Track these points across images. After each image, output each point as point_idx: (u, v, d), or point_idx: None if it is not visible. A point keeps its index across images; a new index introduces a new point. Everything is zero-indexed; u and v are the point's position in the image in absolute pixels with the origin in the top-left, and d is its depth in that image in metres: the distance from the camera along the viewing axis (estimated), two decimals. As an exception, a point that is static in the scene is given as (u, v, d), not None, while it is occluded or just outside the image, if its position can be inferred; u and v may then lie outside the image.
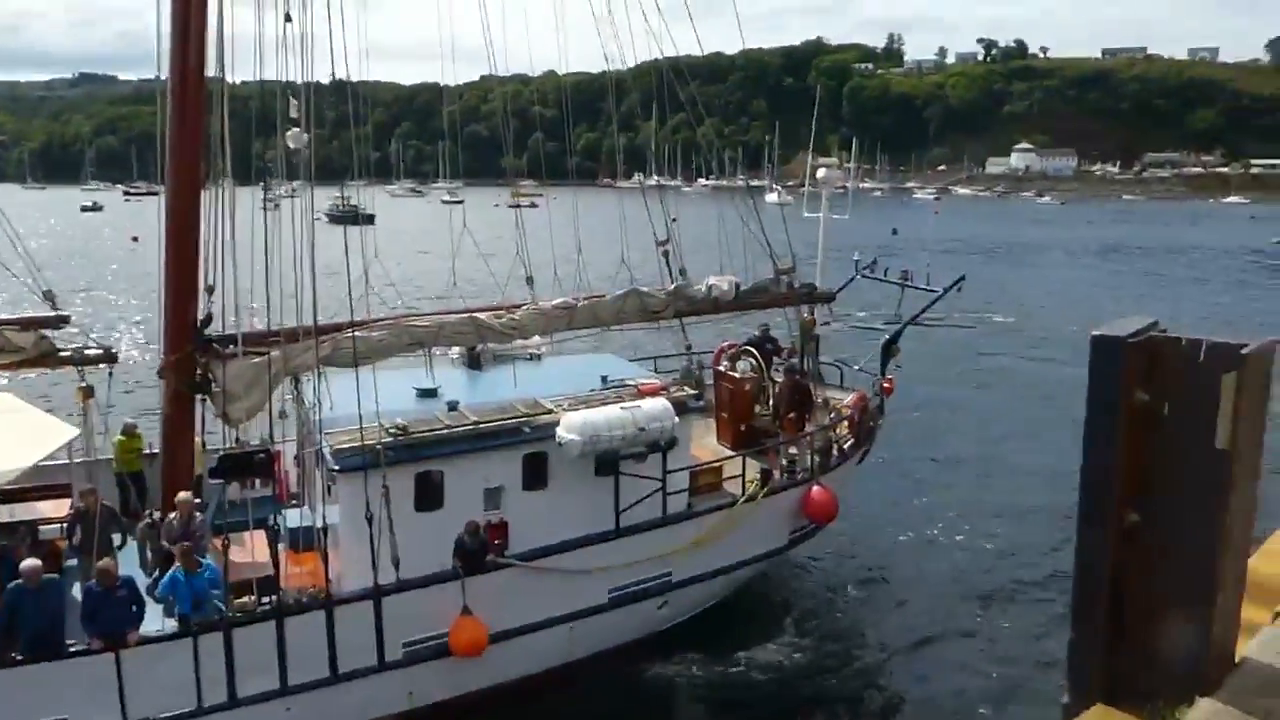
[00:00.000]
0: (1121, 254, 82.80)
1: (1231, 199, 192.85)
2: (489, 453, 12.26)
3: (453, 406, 12.87)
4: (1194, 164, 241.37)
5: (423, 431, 11.96)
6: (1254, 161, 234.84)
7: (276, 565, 11.34)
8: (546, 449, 12.49)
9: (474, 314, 13.65)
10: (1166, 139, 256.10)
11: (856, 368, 18.24)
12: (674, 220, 16.20)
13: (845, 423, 16.16)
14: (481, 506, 12.28)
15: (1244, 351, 3.87)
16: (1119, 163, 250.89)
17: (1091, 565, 4.40)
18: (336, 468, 11.45)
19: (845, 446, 15.88)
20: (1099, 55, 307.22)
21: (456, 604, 11.67)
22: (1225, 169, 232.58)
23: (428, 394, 13.56)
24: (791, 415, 15.52)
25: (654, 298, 14.80)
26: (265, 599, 11.13)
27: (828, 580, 16.67)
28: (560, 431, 12.23)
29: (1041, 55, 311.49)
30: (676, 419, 12.89)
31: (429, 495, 12.01)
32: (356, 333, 12.16)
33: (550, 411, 12.77)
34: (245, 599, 11.12)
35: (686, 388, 14.62)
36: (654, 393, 13.44)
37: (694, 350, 17.36)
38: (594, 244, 15.92)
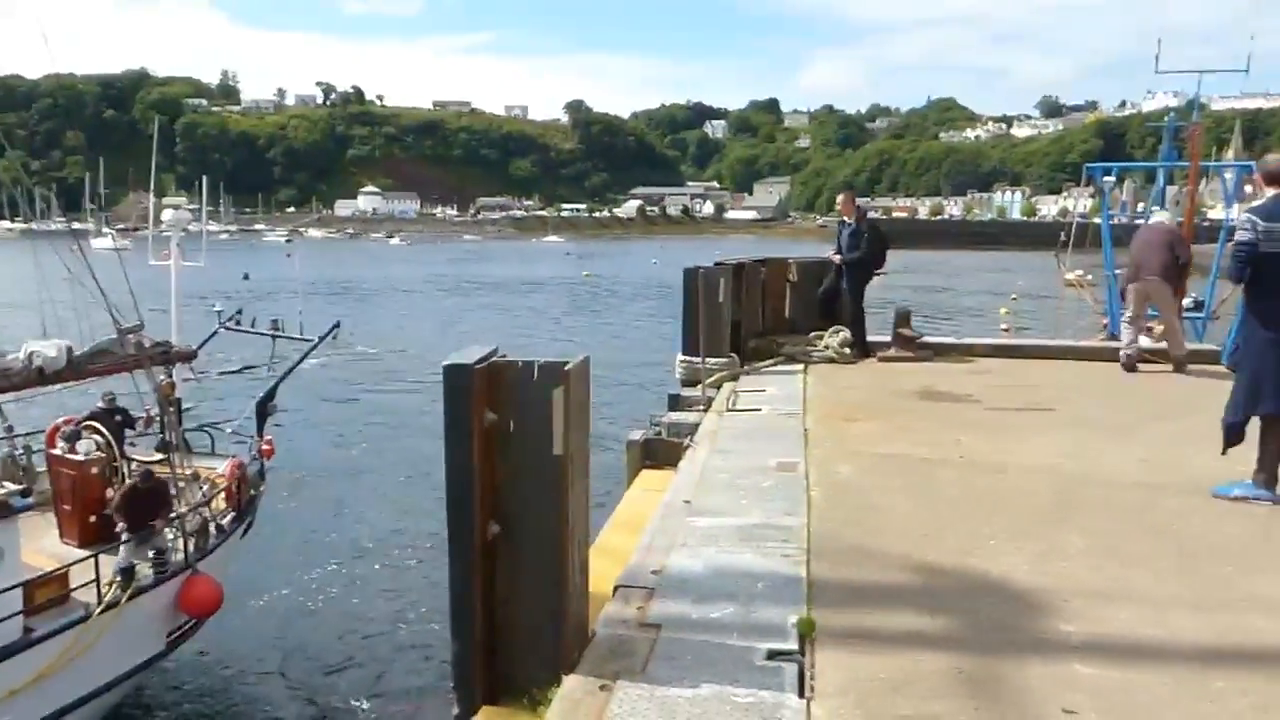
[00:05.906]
0: (470, 289, 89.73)
1: (550, 238, 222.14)
2: None
3: None
4: (519, 208, 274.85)
5: None
6: (564, 206, 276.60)
7: None
8: None
9: None
10: (494, 185, 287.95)
11: (230, 431, 16.42)
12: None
13: (222, 495, 14.35)
14: None
15: (566, 368, 4.56)
16: (456, 206, 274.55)
17: (462, 579, 4.82)
18: None
19: (225, 522, 14.08)
20: (430, 106, 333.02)
21: None
22: (544, 212, 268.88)
23: None
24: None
25: (-51, 373, 11.53)
26: None
27: (221, 671, 14.63)
28: None
29: (379, 103, 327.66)
30: (-5, 527, 10.11)
31: None
32: None
33: None
34: None
35: (8, 483, 11.64)
36: (-43, 497, 10.41)
37: (17, 433, 14.04)
38: None
